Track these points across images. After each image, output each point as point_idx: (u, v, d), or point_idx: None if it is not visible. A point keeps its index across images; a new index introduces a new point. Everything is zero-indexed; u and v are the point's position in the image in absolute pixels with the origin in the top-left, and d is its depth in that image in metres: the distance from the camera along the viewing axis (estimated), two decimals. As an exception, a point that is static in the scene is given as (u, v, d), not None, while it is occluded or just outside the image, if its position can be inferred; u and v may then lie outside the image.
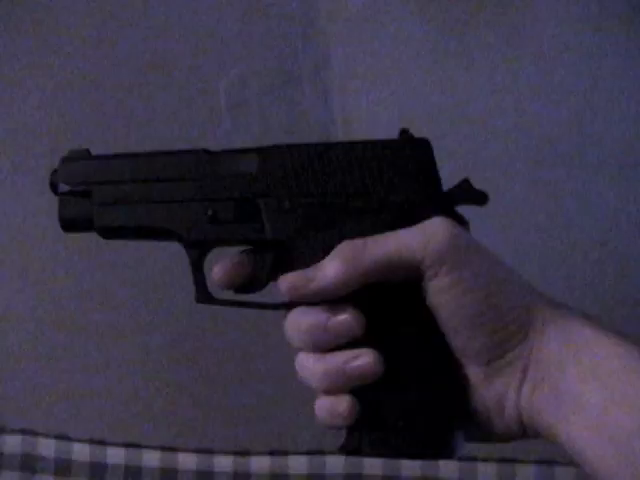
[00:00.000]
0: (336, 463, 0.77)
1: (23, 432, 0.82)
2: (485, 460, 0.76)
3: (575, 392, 0.36)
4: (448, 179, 0.43)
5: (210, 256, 0.46)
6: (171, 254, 0.79)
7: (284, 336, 0.78)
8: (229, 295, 0.46)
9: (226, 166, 0.44)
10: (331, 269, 0.39)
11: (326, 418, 0.40)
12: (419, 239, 0.38)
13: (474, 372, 0.39)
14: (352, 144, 0.43)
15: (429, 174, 0.42)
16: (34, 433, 0.81)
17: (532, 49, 0.75)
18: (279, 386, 0.79)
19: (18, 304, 0.82)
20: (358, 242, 0.39)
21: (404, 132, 0.43)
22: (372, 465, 0.77)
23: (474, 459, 0.76)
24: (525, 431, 0.40)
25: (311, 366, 0.40)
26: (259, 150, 0.43)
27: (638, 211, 0.73)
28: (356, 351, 0.39)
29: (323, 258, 0.40)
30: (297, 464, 0.78)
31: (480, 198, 0.42)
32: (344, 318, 0.39)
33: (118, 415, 0.81)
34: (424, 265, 0.38)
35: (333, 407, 0.39)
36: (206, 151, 0.44)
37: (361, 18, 0.77)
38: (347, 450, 0.41)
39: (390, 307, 0.40)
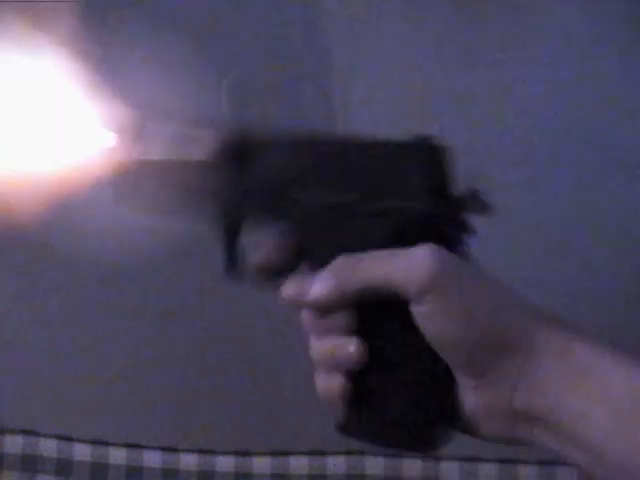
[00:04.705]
0: (338, 464, 0.77)
1: (24, 432, 0.82)
2: (486, 461, 0.76)
3: (574, 420, 0.36)
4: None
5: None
6: (172, 258, 0.80)
7: (285, 337, 0.78)
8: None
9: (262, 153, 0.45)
10: (323, 286, 0.41)
11: (321, 391, 0.43)
12: (404, 268, 0.39)
13: (463, 380, 0.40)
14: (374, 144, 0.43)
15: (441, 182, 0.42)
16: (35, 433, 0.81)
17: (535, 48, 0.75)
18: (280, 386, 0.79)
19: (19, 305, 0.82)
20: (350, 262, 0.41)
21: (423, 138, 0.43)
22: (373, 465, 0.77)
23: (475, 459, 0.76)
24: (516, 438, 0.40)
25: (313, 345, 0.43)
26: (295, 139, 0.45)
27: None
28: (343, 340, 0.42)
29: (329, 258, 0.42)
30: (298, 464, 0.78)
31: (486, 209, 0.42)
32: (337, 317, 0.42)
33: (119, 415, 0.81)
34: (408, 293, 0.39)
35: (326, 383, 0.42)
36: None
37: (363, 18, 0.77)
38: (337, 427, 0.43)
39: (384, 309, 0.41)
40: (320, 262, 0.42)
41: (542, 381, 0.38)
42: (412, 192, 0.41)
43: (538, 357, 0.38)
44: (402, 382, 0.41)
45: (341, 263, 0.41)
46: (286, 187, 0.44)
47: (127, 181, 0.49)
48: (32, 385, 0.82)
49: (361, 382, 0.41)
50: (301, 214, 0.44)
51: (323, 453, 0.78)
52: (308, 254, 0.44)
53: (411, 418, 0.41)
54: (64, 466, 0.81)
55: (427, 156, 0.42)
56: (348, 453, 0.77)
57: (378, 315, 0.41)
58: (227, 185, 0.46)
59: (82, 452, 0.80)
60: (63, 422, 0.81)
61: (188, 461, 0.79)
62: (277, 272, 0.46)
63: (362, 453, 0.77)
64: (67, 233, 0.81)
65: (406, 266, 0.39)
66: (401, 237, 0.41)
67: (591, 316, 0.73)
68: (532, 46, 0.76)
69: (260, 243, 0.46)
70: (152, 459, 0.80)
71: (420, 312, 0.39)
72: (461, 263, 0.40)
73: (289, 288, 0.43)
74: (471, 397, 0.40)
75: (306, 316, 0.43)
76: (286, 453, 0.78)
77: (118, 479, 0.80)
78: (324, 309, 0.42)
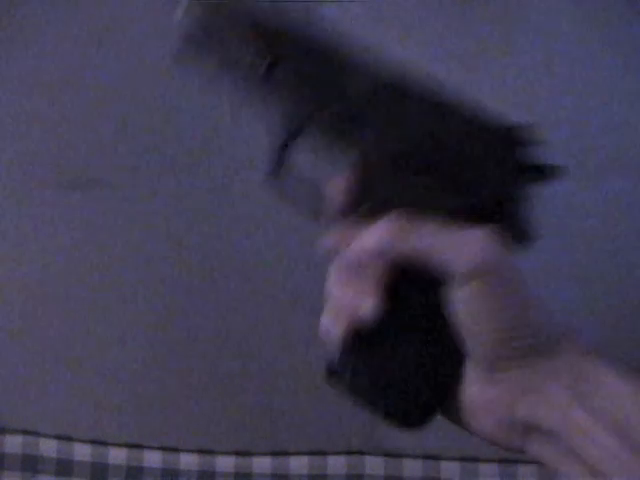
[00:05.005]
0: (337, 464, 0.77)
1: (24, 432, 0.82)
2: (486, 461, 0.76)
3: (578, 437, 0.36)
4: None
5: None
6: (173, 260, 0.80)
7: (286, 337, 0.78)
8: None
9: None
10: (373, 240, 0.39)
11: (323, 332, 0.42)
12: (459, 247, 0.38)
13: (473, 370, 0.39)
14: (463, 114, 0.41)
15: (519, 178, 0.40)
16: (35, 433, 0.81)
17: (534, 46, 0.75)
18: (281, 387, 0.79)
19: (19, 306, 0.82)
20: (405, 224, 0.39)
21: (515, 127, 0.41)
22: (374, 465, 0.77)
23: (475, 459, 0.76)
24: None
25: (331, 288, 0.42)
26: (387, 73, 0.43)
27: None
28: (366, 294, 0.40)
29: (383, 212, 0.40)
30: (298, 464, 0.78)
31: (549, 173, 0.41)
32: (370, 269, 0.40)
33: (120, 415, 0.81)
34: (454, 272, 0.38)
35: (331, 326, 0.41)
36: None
37: (363, 20, 0.77)
38: (325, 372, 0.42)
39: (419, 277, 0.40)
40: (373, 211, 0.40)
41: (552, 393, 0.37)
42: (488, 177, 0.40)
43: (554, 370, 0.38)
44: (409, 353, 0.40)
45: (396, 222, 0.39)
46: (361, 119, 0.42)
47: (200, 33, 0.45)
48: (32, 385, 0.82)
49: (368, 338, 0.40)
50: (368, 156, 0.41)
51: (323, 453, 0.78)
52: (363, 200, 0.41)
53: (404, 390, 0.40)
54: (64, 466, 0.80)
55: (515, 147, 0.40)
56: (348, 453, 0.77)
57: (410, 281, 0.40)
58: (303, 88, 0.43)
59: (82, 452, 0.80)
60: (63, 422, 0.81)
61: (188, 461, 0.79)
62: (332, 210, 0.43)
63: (362, 453, 0.77)
64: (66, 236, 0.82)
65: (461, 246, 0.38)
66: (464, 214, 0.39)
67: (591, 314, 0.74)
68: (534, 45, 0.75)
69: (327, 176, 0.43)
70: (152, 459, 0.80)
71: (459, 295, 0.38)
72: (511, 258, 0.39)
73: (336, 237, 0.41)
74: (475, 389, 0.39)
75: (337, 262, 0.41)
76: (286, 453, 0.78)
77: (118, 479, 0.80)
78: (363, 262, 0.40)
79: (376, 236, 0.39)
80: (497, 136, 0.41)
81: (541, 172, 0.41)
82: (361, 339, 0.40)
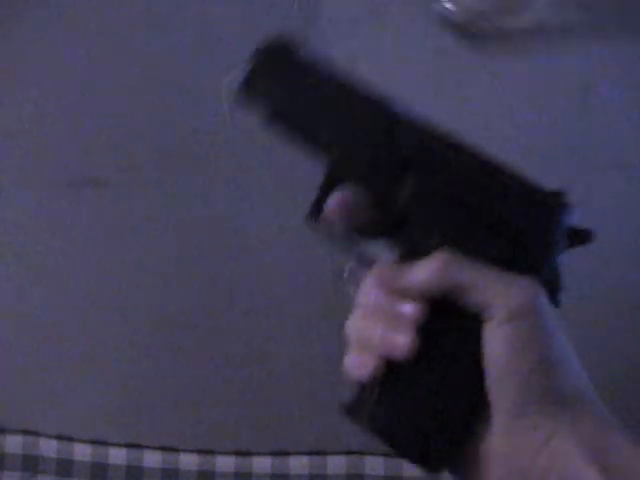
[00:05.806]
0: (337, 464, 0.78)
1: (24, 433, 0.82)
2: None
3: None
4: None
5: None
6: (175, 259, 0.80)
7: (285, 338, 0.78)
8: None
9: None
10: (425, 276, 0.40)
11: (349, 368, 0.42)
12: (502, 290, 0.39)
13: (497, 418, 0.39)
14: (519, 186, 0.42)
15: (550, 242, 0.41)
16: (35, 433, 0.81)
17: (532, 51, 0.75)
18: (281, 387, 0.79)
19: (20, 305, 0.82)
20: (457, 263, 0.40)
21: (557, 194, 0.42)
22: (374, 465, 0.77)
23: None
24: None
25: (358, 324, 0.42)
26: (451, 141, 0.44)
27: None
28: (396, 333, 0.40)
29: (426, 245, 0.41)
30: (298, 464, 0.78)
31: (585, 238, 0.42)
32: (409, 307, 0.40)
33: (119, 415, 0.81)
34: (492, 314, 0.39)
35: (358, 362, 0.41)
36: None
37: (362, 19, 0.77)
38: (346, 406, 0.42)
39: (454, 317, 0.40)
40: (413, 244, 0.41)
41: (571, 451, 0.37)
42: (533, 235, 0.41)
43: (578, 431, 0.38)
44: (435, 393, 0.40)
45: (448, 260, 0.40)
46: (407, 164, 0.42)
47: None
48: (32, 385, 0.82)
49: (392, 374, 0.40)
50: (414, 194, 0.42)
51: (323, 453, 0.78)
52: (404, 231, 0.42)
53: (422, 432, 0.40)
54: (64, 466, 0.80)
55: (560, 211, 0.42)
56: (348, 453, 0.78)
57: (443, 321, 0.40)
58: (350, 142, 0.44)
59: (82, 452, 0.80)
60: (63, 422, 0.81)
61: (188, 461, 0.79)
62: (360, 232, 0.44)
63: (362, 453, 0.77)
64: (65, 235, 0.82)
65: (507, 286, 0.39)
66: (506, 264, 0.40)
67: (588, 317, 0.74)
68: (529, 47, 0.76)
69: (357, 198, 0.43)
70: (152, 459, 0.80)
71: (497, 332, 0.38)
72: (552, 314, 0.40)
73: (384, 272, 0.41)
74: (496, 439, 0.39)
75: (371, 295, 0.41)
76: (286, 453, 0.79)
77: (118, 479, 0.80)
78: (409, 296, 0.40)
79: (429, 271, 0.40)
80: (543, 198, 0.42)
81: (580, 237, 0.42)
82: (384, 374, 0.41)
